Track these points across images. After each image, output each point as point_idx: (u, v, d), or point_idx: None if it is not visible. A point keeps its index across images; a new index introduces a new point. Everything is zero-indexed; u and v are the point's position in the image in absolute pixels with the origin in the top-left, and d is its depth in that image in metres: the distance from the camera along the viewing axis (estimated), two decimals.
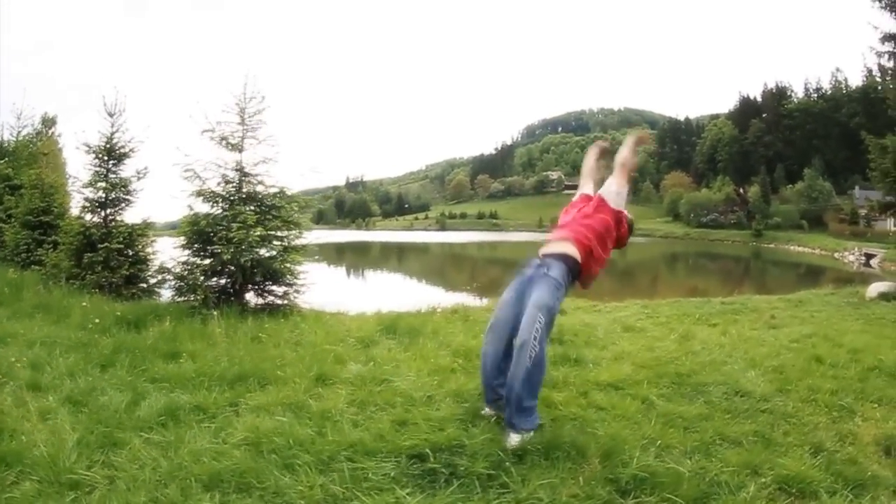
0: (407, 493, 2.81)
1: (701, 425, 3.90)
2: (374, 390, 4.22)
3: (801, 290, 15.18)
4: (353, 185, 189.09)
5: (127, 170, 9.26)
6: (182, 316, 6.63)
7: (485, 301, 11.39)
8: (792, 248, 61.06)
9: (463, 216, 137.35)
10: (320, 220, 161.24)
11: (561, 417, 3.92)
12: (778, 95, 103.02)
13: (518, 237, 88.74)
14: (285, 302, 8.23)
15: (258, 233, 7.76)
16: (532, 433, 3.40)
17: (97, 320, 6.00)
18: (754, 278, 37.43)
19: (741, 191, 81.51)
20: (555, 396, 4.28)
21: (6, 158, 14.68)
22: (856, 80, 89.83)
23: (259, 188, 8.55)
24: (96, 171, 9.04)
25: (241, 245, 7.57)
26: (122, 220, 9.03)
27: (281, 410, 3.78)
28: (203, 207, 8.26)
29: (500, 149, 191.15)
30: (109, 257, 8.43)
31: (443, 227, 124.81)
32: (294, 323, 6.93)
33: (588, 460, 3.18)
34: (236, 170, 8.40)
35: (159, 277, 8.69)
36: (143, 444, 3.25)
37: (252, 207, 8.34)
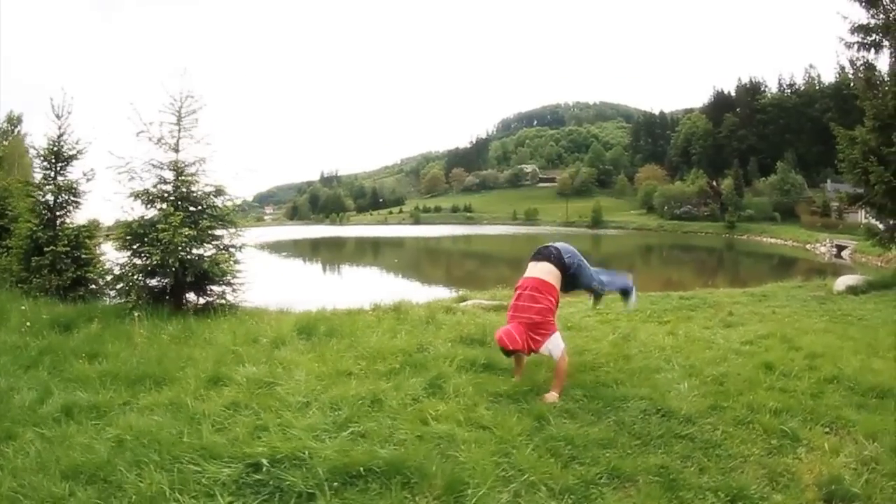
0: (227, 502, 2.78)
1: (593, 455, 3.26)
2: (255, 393, 4.14)
3: (773, 281, 15.02)
4: (327, 180, 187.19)
5: (75, 172, 9.32)
6: (112, 317, 6.81)
7: (457, 292, 11.94)
8: (765, 239, 61.45)
9: (437, 210, 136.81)
10: (294, 215, 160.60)
11: (429, 434, 3.43)
12: (752, 90, 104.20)
13: (492, 230, 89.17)
14: (222, 301, 8.34)
15: (186, 233, 7.73)
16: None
17: (28, 324, 6.20)
18: (728, 269, 37.82)
19: (714, 183, 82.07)
20: (437, 408, 3.82)
21: None
22: (829, 77, 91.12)
23: (194, 188, 8.51)
24: (45, 174, 9.15)
25: (170, 246, 7.61)
26: (69, 223, 9.03)
27: (162, 410, 3.87)
28: (141, 208, 8.34)
29: (474, 142, 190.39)
30: (56, 260, 8.47)
31: (417, 221, 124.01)
32: (218, 323, 6.89)
33: (425, 492, 2.84)
34: (172, 170, 8.41)
35: (107, 279, 8.65)
36: (35, 437, 3.48)
37: (185, 207, 8.38)
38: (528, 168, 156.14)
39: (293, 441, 3.25)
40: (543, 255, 4.80)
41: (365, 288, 23.39)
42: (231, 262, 8.38)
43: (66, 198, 9.07)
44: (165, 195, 8.32)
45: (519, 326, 4.42)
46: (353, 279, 32.59)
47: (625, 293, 5.62)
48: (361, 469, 2.95)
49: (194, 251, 8.03)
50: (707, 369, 4.97)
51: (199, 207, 8.47)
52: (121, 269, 8.09)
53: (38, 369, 4.89)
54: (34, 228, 8.68)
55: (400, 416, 3.69)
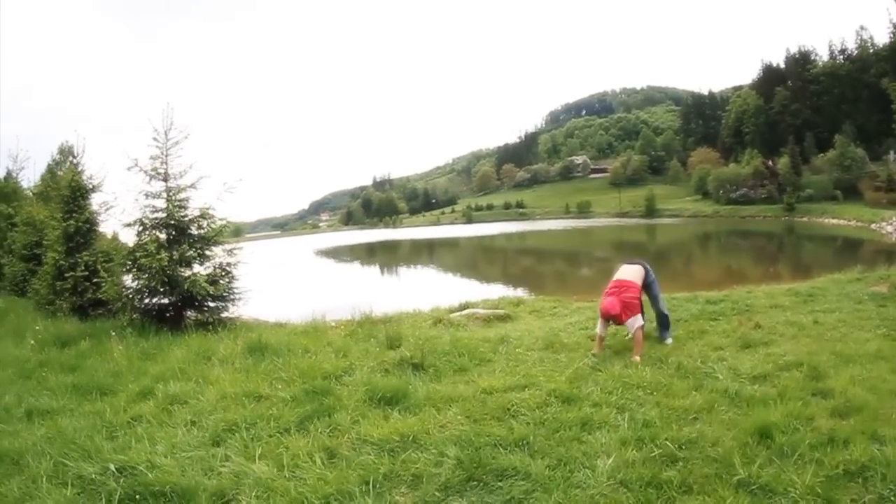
0: (72, 493, 3.33)
1: None
2: (164, 408, 4.71)
3: (828, 272, 12.47)
4: (379, 184, 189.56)
5: (94, 203, 10.42)
6: (106, 335, 7.35)
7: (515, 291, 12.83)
8: (826, 220, 57.87)
9: (490, 207, 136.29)
10: (349, 220, 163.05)
11: (236, 473, 3.58)
12: (801, 60, 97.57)
13: (546, 225, 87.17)
14: (216, 317, 8.88)
15: (163, 257, 8.26)
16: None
17: (34, 341, 7.23)
18: (788, 256, 35.96)
19: (770, 163, 77.94)
20: (295, 443, 3.91)
21: (7, 200, 16.09)
22: (882, 38, 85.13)
23: (178, 213, 9.01)
24: (67, 208, 9.98)
25: (151, 269, 8.25)
26: (86, 252, 9.80)
27: (89, 417, 4.60)
28: (133, 236, 9.14)
29: (523, 137, 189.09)
30: (77, 284, 9.46)
31: (469, 220, 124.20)
32: (188, 340, 7.20)
33: None
34: (160, 198, 9.07)
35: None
36: None
37: (170, 233, 8.98)
38: (579, 160, 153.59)
39: (144, 454, 3.67)
40: (636, 261, 6.93)
41: (424, 289, 24.27)
42: (226, 280, 9.05)
43: (86, 227, 9.97)
44: (156, 222, 8.98)
45: (617, 301, 6.13)
46: (412, 280, 32.73)
47: (664, 324, 6.93)
48: (160, 488, 3.27)
49: (181, 272, 8.58)
50: (665, 433, 3.76)
51: (183, 231, 9.03)
52: (116, 290, 8.84)
53: (30, 379, 5.77)
54: (57, 257, 9.76)
55: (243, 448, 3.85)
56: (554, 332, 7.56)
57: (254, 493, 3.23)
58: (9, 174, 18.61)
